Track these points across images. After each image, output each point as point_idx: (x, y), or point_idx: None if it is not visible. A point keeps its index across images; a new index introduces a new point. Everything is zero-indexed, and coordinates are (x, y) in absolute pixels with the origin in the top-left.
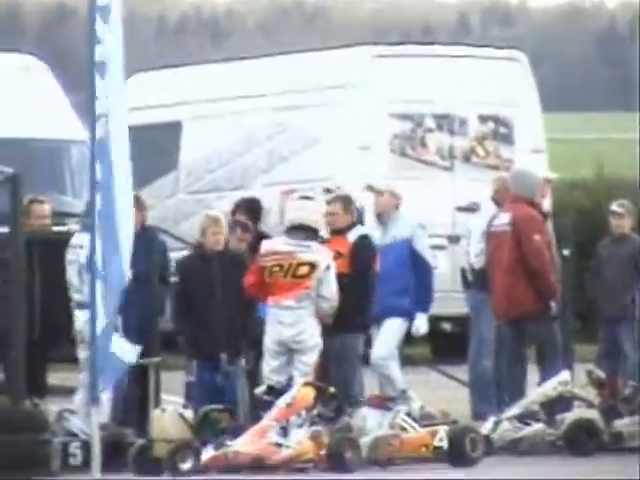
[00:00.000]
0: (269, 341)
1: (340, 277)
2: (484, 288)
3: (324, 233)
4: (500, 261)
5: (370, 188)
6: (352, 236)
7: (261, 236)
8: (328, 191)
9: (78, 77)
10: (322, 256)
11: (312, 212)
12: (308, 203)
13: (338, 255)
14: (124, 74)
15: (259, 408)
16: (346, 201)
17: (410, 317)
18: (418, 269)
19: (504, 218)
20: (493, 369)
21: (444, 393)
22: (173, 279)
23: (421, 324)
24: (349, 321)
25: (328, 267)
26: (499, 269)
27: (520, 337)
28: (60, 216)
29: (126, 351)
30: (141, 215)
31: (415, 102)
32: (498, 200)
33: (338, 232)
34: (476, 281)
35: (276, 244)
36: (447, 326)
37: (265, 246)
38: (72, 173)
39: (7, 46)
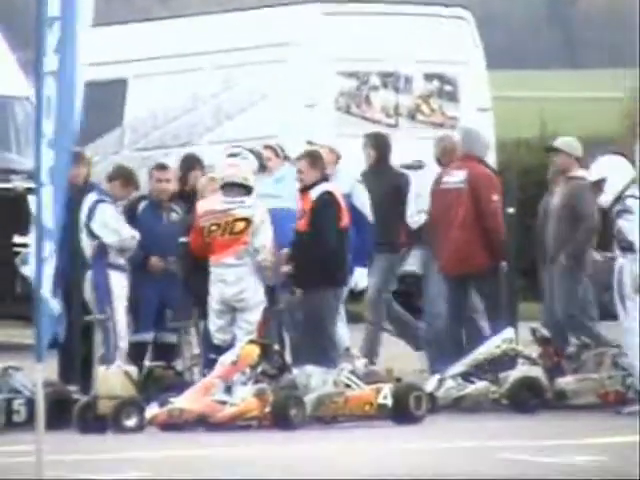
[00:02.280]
0: (213, 300)
1: (302, 234)
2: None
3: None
4: (453, 218)
5: (309, 143)
6: (315, 193)
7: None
8: (281, 149)
9: (26, 33)
10: (256, 211)
11: (242, 169)
12: (237, 160)
13: (303, 212)
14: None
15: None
16: (313, 157)
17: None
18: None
19: (458, 175)
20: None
21: (389, 351)
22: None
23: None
24: (313, 278)
25: (262, 221)
26: (451, 226)
27: (465, 294)
28: (5, 173)
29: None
30: (86, 171)
31: (361, 60)
32: (441, 159)
33: (305, 189)
34: (422, 239)
35: (212, 203)
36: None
37: (202, 206)
38: (17, 130)
39: None
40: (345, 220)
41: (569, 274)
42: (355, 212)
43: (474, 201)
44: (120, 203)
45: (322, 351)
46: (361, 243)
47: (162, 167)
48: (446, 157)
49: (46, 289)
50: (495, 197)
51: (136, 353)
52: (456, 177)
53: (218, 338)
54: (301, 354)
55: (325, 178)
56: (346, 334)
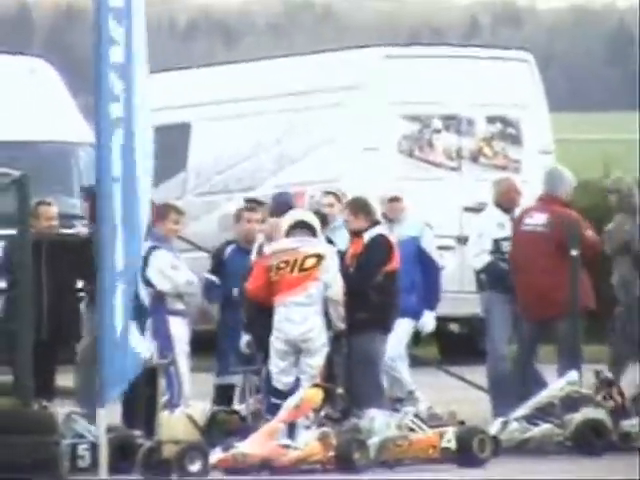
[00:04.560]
0: (277, 341)
1: (350, 276)
2: (496, 289)
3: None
4: (535, 262)
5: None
6: (368, 236)
7: None
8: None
9: (88, 79)
10: (326, 248)
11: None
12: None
13: (355, 257)
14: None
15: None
16: (356, 205)
17: (417, 316)
18: (425, 267)
19: (539, 218)
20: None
21: (452, 394)
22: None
23: (428, 322)
24: (360, 320)
25: (332, 258)
26: (533, 270)
27: (539, 337)
28: (67, 218)
29: (143, 348)
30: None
31: (423, 103)
32: (500, 202)
33: (356, 234)
34: (488, 282)
35: (280, 243)
36: (455, 327)
37: (269, 247)
38: (79, 175)
39: (14, 48)
40: (395, 263)
41: (629, 314)
42: (423, 255)
43: (558, 244)
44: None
45: (373, 395)
46: (429, 286)
47: (253, 207)
48: (504, 200)
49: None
50: (589, 232)
51: (223, 395)
52: (537, 220)
53: (280, 381)
54: (354, 398)
55: (376, 222)
56: (409, 377)
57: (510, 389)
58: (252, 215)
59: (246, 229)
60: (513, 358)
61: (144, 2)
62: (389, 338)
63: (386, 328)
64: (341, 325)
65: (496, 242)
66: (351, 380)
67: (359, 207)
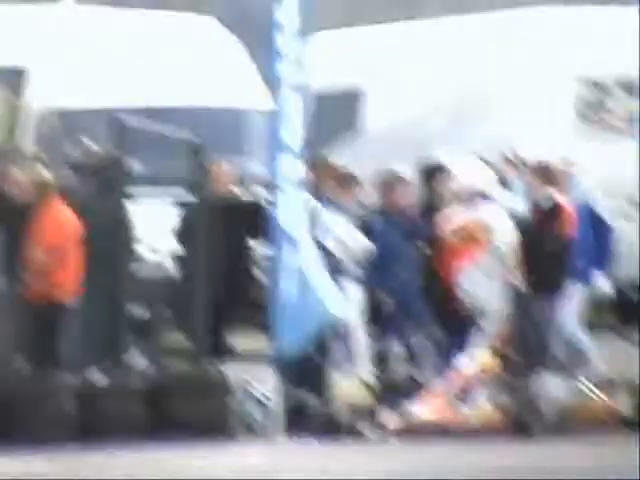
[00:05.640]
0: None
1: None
2: None
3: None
4: None
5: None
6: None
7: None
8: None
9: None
10: (500, 218)
11: (482, 177)
12: (477, 169)
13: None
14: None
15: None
16: (541, 171)
17: (591, 281)
18: (598, 230)
19: None
20: None
21: (630, 361)
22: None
23: (604, 283)
24: (550, 285)
25: (504, 223)
26: None
27: None
28: (245, 180)
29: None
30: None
31: (601, 66)
32: None
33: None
34: None
35: (452, 212)
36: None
37: (443, 216)
38: (259, 139)
39: (191, 8)
40: (572, 229)
41: None
42: (596, 218)
43: None
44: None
45: (556, 358)
46: (602, 249)
47: (401, 179)
48: None
49: (291, 294)
50: None
51: (380, 360)
52: None
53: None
54: (535, 361)
55: (557, 187)
56: (587, 342)
57: None
58: (402, 188)
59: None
60: None
61: None
62: (565, 304)
63: (565, 290)
64: (521, 288)
65: None
66: (528, 345)
67: (545, 171)
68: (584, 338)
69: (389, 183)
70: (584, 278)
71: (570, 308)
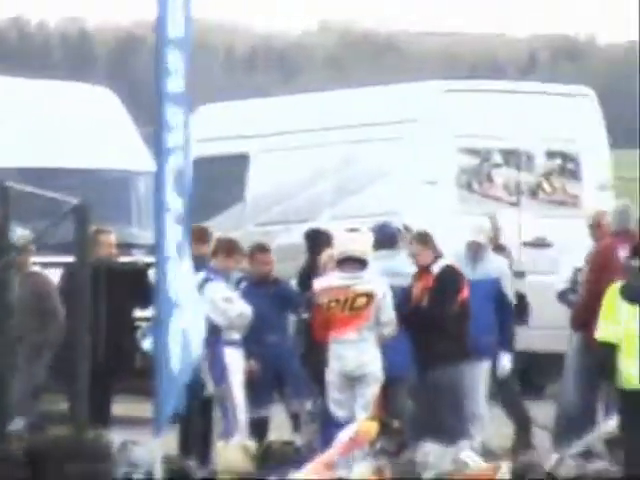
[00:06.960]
0: (332, 375)
1: (424, 311)
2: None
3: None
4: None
5: (406, 229)
6: (437, 268)
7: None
8: (406, 229)
9: (150, 109)
10: (377, 285)
11: (360, 244)
12: (356, 235)
13: (426, 290)
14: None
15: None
16: (422, 238)
17: (494, 357)
18: (502, 309)
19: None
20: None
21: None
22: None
23: (506, 364)
24: (450, 352)
25: (385, 295)
26: None
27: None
28: (126, 247)
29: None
30: (209, 247)
31: (483, 137)
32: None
33: (424, 269)
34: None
35: (330, 280)
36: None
37: (319, 284)
38: (139, 204)
39: (78, 77)
40: (465, 293)
41: None
42: (501, 296)
43: None
44: (230, 276)
45: (450, 427)
46: (505, 328)
47: (264, 249)
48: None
49: (174, 363)
50: None
51: (257, 429)
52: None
53: (336, 413)
54: (423, 430)
55: (439, 255)
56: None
57: (576, 427)
58: (264, 257)
59: (258, 269)
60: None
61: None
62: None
63: (467, 356)
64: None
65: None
66: (434, 413)
67: (427, 241)
68: (480, 407)
69: (253, 252)
70: (491, 355)
71: (470, 379)
